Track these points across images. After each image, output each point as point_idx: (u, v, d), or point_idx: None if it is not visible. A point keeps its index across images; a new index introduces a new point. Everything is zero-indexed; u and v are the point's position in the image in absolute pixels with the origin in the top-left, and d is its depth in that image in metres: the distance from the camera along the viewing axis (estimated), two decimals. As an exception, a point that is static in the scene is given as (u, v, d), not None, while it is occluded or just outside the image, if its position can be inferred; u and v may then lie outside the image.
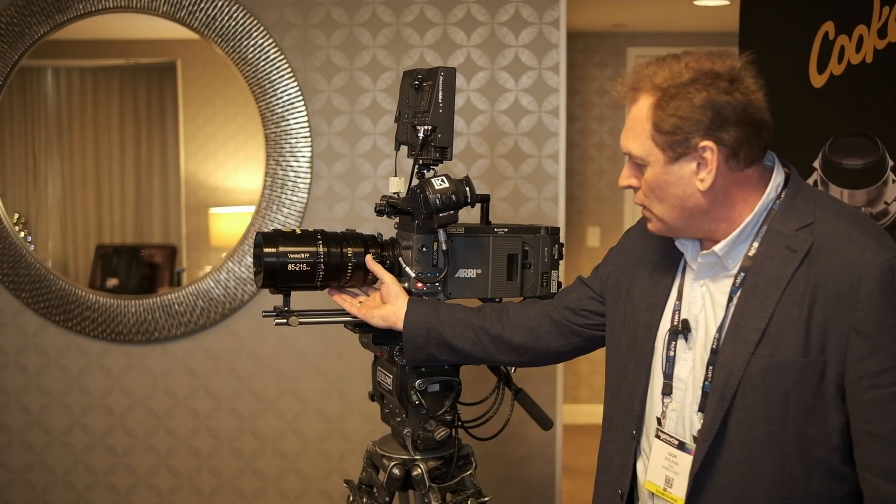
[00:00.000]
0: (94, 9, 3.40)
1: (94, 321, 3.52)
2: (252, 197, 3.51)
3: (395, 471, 2.25)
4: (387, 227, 2.40)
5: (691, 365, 1.76)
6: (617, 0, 5.13)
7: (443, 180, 2.07)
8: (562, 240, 2.38)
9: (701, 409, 1.71)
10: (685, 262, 1.83)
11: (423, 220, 2.11)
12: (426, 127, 2.10)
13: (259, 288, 2.17)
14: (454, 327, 2.12)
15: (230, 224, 3.72)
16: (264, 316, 2.22)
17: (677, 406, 1.78)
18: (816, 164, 2.68)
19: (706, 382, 1.71)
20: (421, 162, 2.17)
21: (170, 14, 3.38)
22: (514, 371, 2.37)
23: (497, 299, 2.29)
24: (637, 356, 1.86)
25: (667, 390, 1.80)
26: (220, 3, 3.37)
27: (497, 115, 3.40)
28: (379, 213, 2.28)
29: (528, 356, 2.15)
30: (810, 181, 2.67)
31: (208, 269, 3.61)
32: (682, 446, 1.76)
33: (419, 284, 2.18)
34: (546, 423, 2.42)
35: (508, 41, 3.38)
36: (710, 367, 1.70)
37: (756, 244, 1.69)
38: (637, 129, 1.70)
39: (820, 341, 1.60)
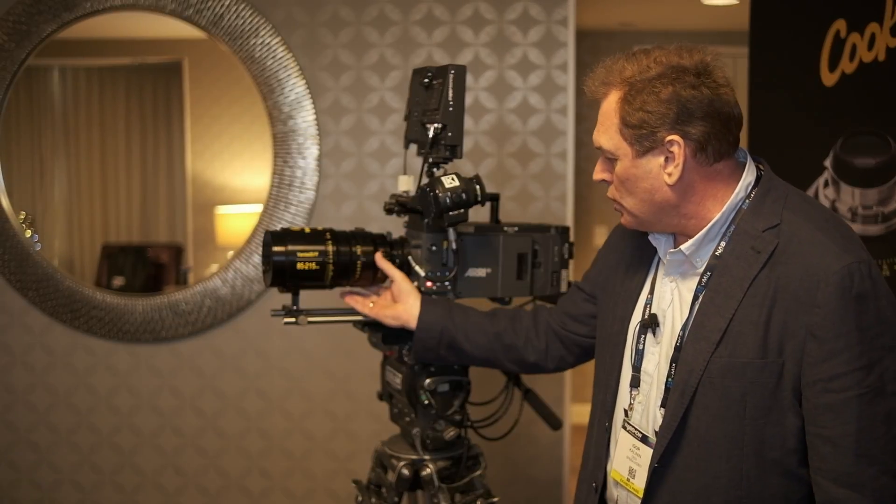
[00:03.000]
0: (101, 7, 3.40)
1: (100, 320, 3.52)
2: (258, 196, 3.50)
3: (405, 471, 2.24)
4: (394, 227, 2.39)
5: (657, 359, 1.78)
6: (625, -1, 5.12)
7: (453, 178, 2.06)
8: (571, 239, 2.36)
9: (664, 405, 1.73)
10: (657, 257, 1.85)
11: (433, 219, 2.10)
12: (436, 125, 2.09)
13: (268, 286, 2.16)
14: (468, 332, 2.12)
15: (236, 223, 3.71)
16: (273, 315, 2.21)
17: (643, 399, 1.80)
18: (827, 162, 2.66)
19: (669, 379, 1.72)
20: (431, 160, 2.16)
21: (177, 13, 3.38)
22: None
23: (507, 299, 2.28)
24: (612, 348, 1.89)
25: (634, 383, 1.82)
26: (227, 2, 3.36)
27: (505, 113, 3.38)
28: (388, 211, 2.26)
29: (536, 370, 2.19)
30: (821, 180, 2.66)
31: (214, 268, 3.60)
32: (644, 439, 1.78)
33: (429, 283, 2.17)
34: (555, 422, 2.41)
35: (517, 40, 3.37)
36: (674, 365, 1.71)
37: (723, 244, 1.69)
38: (606, 124, 1.71)
39: (778, 344, 1.60)
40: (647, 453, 1.76)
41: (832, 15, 2.66)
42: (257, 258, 3.44)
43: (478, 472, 2.30)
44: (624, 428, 1.83)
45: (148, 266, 3.85)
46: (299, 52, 3.40)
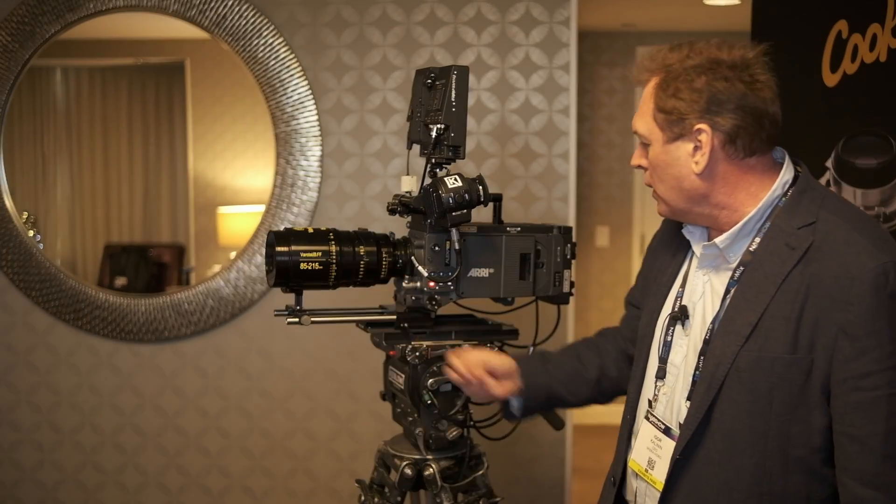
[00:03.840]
0: (104, 8, 3.40)
1: (103, 320, 3.52)
2: (260, 196, 3.50)
3: (407, 471, 2.25)
4: (397, 226, 2.40)
5: (685, 352, 1.79)
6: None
7: (456, 179, 2.07)
8: (574, 239, 2.37)
9: (689, 398, 1.74)
10: (691, 251, 1.86)
11: (436, 220, 2.11)
12: (439, 126, 2.10)
13: (271, 286, 2.17)
14: (569, 386, 2.15)
15: (238, 223, 3.72)
16: (276, 315, 2.22)
17: (668, 391, 1.81)
18: (829, 163, 2.67)
19: (696, 371, 1.73)
20: (433, 161, 2.16)
21: (180, 13, 3.38)
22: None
23: (509, 299, 2.29)
24: (641, 340, 1.91)
25: (660, 374, 1.83)
26: (230, 2, 3.36)
27: (507, 114, 3.39)
28: (391, 211, 2.27)
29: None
30: (823, 181, 2.66)
31: (217, 268, 3.60)
32: (667, 431, 1.79)
33: (431, 284, 2.17)
34: (557, 423, 2.41)
35: (519, 40, 3.37)
36: (702, 357, 1.72)
37: (758, 240, 1.70)
38: (643, 109, 1.76)
39: (809, 340, 1.60)
40: (668, 445, 1.77)
41: (834, 16, 2.66)
42: (260, 258, 3.45)
43: (480, 472, 2.30)
44: (647, 419, 1.84)
45: (150, 266, 3.85)
46: (302, 52, 3.41)
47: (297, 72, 3.39)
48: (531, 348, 2.33)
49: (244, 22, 3.37)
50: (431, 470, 2.23)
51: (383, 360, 2.40)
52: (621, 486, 1.93)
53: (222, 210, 3.75)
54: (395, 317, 2.27)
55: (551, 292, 2.30)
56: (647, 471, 1.82)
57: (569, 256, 2.32)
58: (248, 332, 3.54)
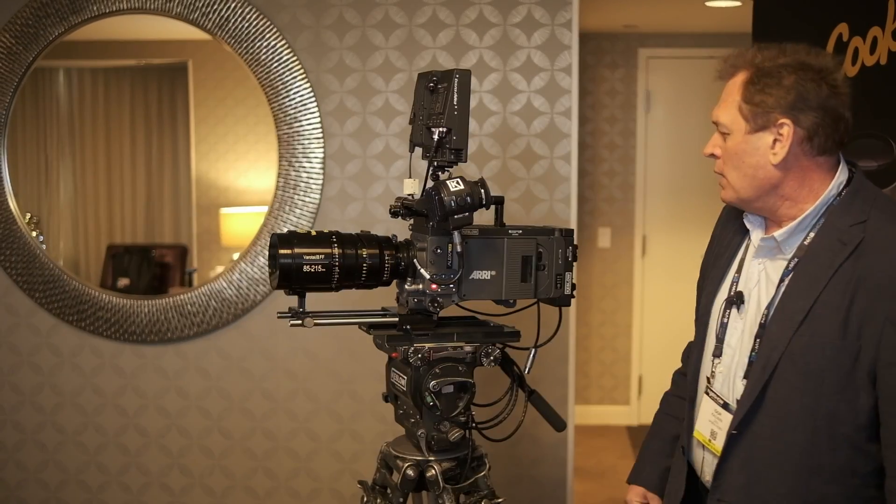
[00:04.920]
0: (108, 10, 3.42)
1: (107, 321, 3.54)
2: (263, 197, 3.52)
3: (409, 472, 2.25)
4: (399, 229, 2.40)
5: (740, 333, 1.96)
6: (628, 1, 5.13)
7: (458, 182, 2.07)
8: (575, 241, 2.38)
9: (746, 377, 1.91)
10: (748, 239, 2.03)
11: (438, 222, 2.11)
12: (441, 129, 2.10)
13: (274, 288, 2.18)
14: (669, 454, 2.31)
15: (241, 224, 3.73)
16: (279, 317, 2.23)
17: (724, 369, 1.98)
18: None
19: (752, 353, 1.90)
20: (436, 164, 2.17)
21: (183, 15, 3.40)
22: (528, 372, 2.37)
23: (511, 301, 2.29)
24: (700, 320, 2.09)
25: (717, 352, 2.01)
26: (233, 5, 3.38)
27: (509, 116, 3.40)
28: (393, 214, 2.27)
29: None
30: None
31: (219, 269, 3.62)
32: (726, 406, 1.96)
33: (433, 286, 2.18)
34: (559, 424, 2.42)
35: (521, 42, 3.38)
36: (758, 340, 1.89)
37: (812, 234, 1.87)
38: (728, 101, 1.89)
39: (857, 328, 1.76)
40: (727, 419, 1.94)
41: (834, 18, 2.68)
42: (262, 260, 3.46)
43: (482, 473, 2.31)
44: (707, 393, 2.02)
45: (153, 267, 3.87)
46: (304, 54, 3.42)
47: (300, 74, 3.40)
48: (533, 350, 2.34)
49: (246, 24, 3.38)
50: (433, 471, 2.23)
51: (385, 362, 2.41)
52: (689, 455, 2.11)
53: (225, 211, 3.76)
54: (397, 319, 2.28)
55: (553, 294, 2.30)
56: (710, 440, 1.99)
57: (570, 259, 2.32)
58: (251, 333, 3.55)
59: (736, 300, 1.97)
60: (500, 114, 3.40)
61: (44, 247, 3.65)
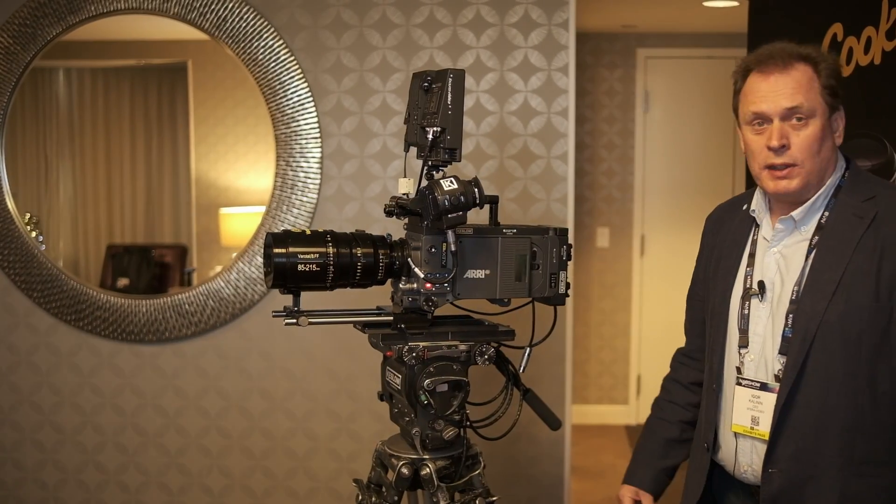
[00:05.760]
0: (106, 10, 3.43)
1: (105, 321, 3.55)
2: (262, 197, 3.52)
3: (404, 470, 2.26)
4: (396, 228, 2.41)
5: (766, 320, 2.04)
6: (627, 1, 5.13)
7: (452, 181, 2.08)
8: (570, 240, 2.38)
9: (782, 353, 1.98)
10: (753, 234, 2.13)
11: (432, 221, 2.12)
12: (435, 129, 2.11)
13: (269, 288, 2.19)
14: (669, 453, 2.39)
15: (241, 224, 3.74)
16: (274, 316, 2.24)
17: (754, 356, 2.05)
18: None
19: (786, 329, 1.98)
20: (430, 163, 2.18)
21: (181, 16, 3.40)
22: (523, 371, 2.38)
23: (506, 300, 2.30)
24: (716, 319, 2.16)
25: (743, 343, 2.08)
26: (230, 5, 3.38)
27: (506, 116, 3.41)
28: (388, 213, 2.28)
29: None
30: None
31: (219, 269, 3.62)
32: (764, 387, 2.03)
33: (428, 285, 2.19)
34: (554, 423, 2.43)
35: (518, 42, 3.39)
36: (791, 316, 1.98)
37: (826, 213, 1.99)
38: (806, 87, 1.96)
39: (888, 290, 1.90)
40: (768, 398, 2.01)
41: (829, 18, 2.68)
42: (260, 259, 3.47)
43: (477, 472, 2.32)
44: (738, 384, 2.08)
45: (153, 267, 3.87)
46: (302, 54, 3.43)
47: (297, 74, 3.41)
48: (527, 349, 2.34)
49: (244, 24, 3.39)
50: (428, 470, 2.24)
51: (381, 361, 2.42)
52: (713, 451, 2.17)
53: (224, 211, 3.77)
54: (391, 318, 2.28)
55: (547, 293, 2.31)
56: (752, 428, 2.05)
57: (565, 258, 2.33)
58: (249, 332, 3.56)
59: (759, 290, 2.05)
60: (498, 113, 3.41)
61: (43, 247, 3.66)
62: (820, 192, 2.00)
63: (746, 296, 2.08)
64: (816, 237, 1.99)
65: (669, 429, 2.38)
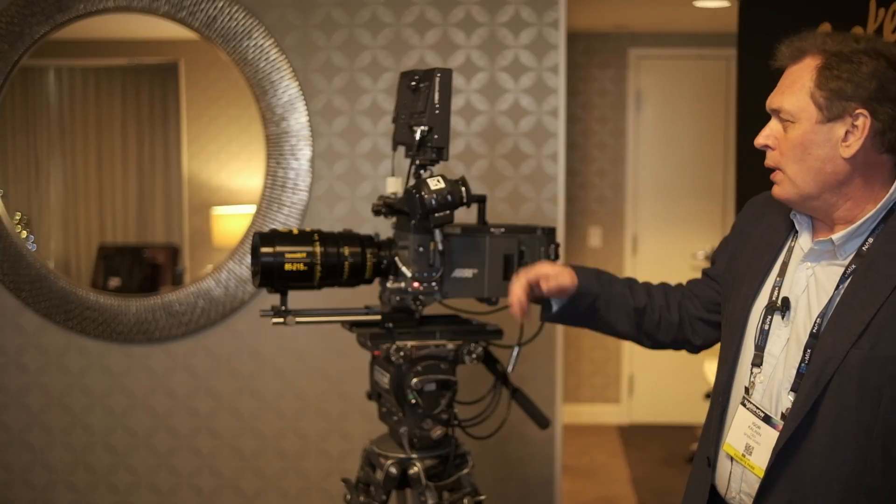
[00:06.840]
0: (94, 9, 3.42)
1: (94, 321, 3.54)
2: (254, 197, 3.51)
3: (392, 469, 2.26)
4: (386, 227, 2.41)
5: (784, 342, 1.80)
6: (618, 1, 5.14)
7: (439, 180, 2.09)
8: (558, 240, 2.39)
9: (794, 390, 1.75)
10: (790, 241, 1.88)
11: (420, 221, 2.12)
12: (423, 128, 2.12)
13: (256, 287, 2.19)
14: (611, 304, 2.15)
15: (233, 224, 3.73)
16: (262, 315, 2.24)
17: (765, 379, 1.83)
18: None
19: (802, 364, 1.74)
20: (418, 162, 2.18)
21: (170, 14, 3.40)
22: (512, 370, 2.38)
23: (493, 299, 2.30)
24: (732, 326, 1.92)
25: (757, 361, 1.84)
26: (220, 4, 3.38)
27: (497, 115, 3.41)
28: (376, 213, 2.29)
29: (681, 347, 2.22)
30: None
31: (210, 269, 3.61)
32: (767, 420, 1.81)
33: (416, 284, 2.19)
34: (542, 422, 2.43)
35: (508, 42, 3.39)
36: (809, 351, 1.74)
37: (871, 240, 1.72)
38: (795, 86, 1.73)
39: None
40: (768, 433, 1.79)
41: (818, 18, 2.68)
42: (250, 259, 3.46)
43: (465, 471, 2.32)
44: (743, 405, 1.86)
45: (144, 267, 3.86)
46: (292, 53, 3.42)
47: (288, 73, 3.41)
48: (516, 348, 2.34)
49: (234, 23, 3.38)
50: (416, 469, 2.24)
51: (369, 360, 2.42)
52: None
53: (216, 211, 3.76)
54: (379, 317, 2.29)
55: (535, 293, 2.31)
56: (744, 456, 1.85)
57: (552, 257, 2.34)
58: (239, 332, 3.56)
59: (781, 307, 1.81)
60: (488, 113, 3.41)
61: (34, 247, 3.65)
62: (869, 214, 1.72)
63: (770, 309, 1.84)
64: (853, 266, 1.72)
65: (624, 290, 2.18)
